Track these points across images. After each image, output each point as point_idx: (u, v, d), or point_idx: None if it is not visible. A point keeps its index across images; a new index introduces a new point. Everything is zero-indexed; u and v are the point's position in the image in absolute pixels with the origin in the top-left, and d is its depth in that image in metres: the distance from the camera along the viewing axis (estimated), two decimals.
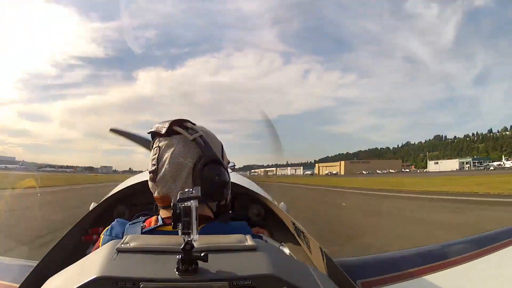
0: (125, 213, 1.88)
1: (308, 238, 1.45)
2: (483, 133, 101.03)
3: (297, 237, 1.59)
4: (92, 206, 1.96)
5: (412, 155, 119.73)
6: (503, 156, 66.90)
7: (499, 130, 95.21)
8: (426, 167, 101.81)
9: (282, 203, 2.35)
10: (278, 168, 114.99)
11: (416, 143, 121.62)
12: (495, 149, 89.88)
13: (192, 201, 0.69)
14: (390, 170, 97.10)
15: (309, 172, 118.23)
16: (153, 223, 0.96)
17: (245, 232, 0.90)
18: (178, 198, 0.71)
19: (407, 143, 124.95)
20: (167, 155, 0.97)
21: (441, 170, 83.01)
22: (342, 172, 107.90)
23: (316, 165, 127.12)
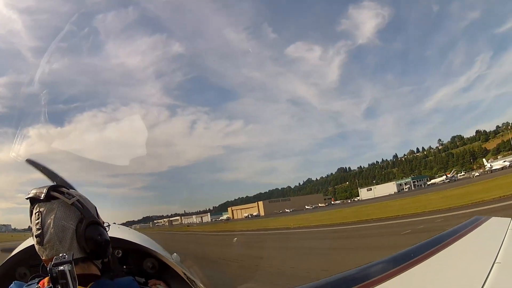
0: (27, 274, 1.84)
1: (199, 286, 1.68)
2: (388, 159, 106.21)
3: (190, 286, 1.79)
4: None
5: (321, 190, 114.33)
6: (484, 159, 66.21)
7: (406, 154, 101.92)
8: (349, 197, 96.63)
9: (175, 254, 2.45)
10: (183, 217, 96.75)
11: (318, 178, 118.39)
12: (412, 170, 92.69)
13: (65, 265, 0.73)
14: (320, 204, 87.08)
15: (224, 218, 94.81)
16: (46, 284, 1.00)
17: (132, 287, 1.02)
18: (53, 263, 0.75)
19: (309, 180, 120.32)
20: (50, 219, 1.02)
21: (376, 196, 77.76)
22: (262, 213, 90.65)
23: (229, 209, 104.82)
